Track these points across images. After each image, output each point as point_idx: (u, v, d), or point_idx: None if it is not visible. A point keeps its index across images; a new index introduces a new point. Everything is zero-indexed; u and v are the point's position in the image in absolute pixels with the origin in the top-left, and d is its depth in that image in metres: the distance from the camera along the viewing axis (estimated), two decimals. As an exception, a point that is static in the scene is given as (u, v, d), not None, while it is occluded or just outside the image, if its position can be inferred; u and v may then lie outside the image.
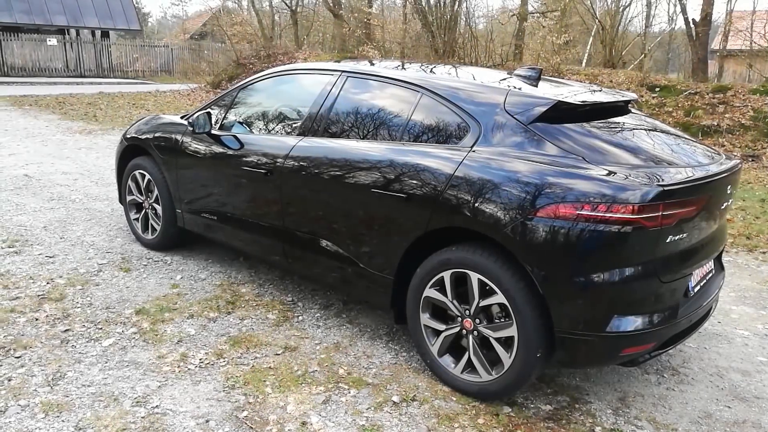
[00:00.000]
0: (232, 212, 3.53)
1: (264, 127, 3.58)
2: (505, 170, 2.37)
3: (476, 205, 2.39)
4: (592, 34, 16.20)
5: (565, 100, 2.52)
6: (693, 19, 11.70)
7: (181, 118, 4.02)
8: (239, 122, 3.68)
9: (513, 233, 2.29)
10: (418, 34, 15.54)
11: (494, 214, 2.34)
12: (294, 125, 3.32)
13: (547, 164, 2.32)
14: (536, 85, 2.79)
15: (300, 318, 3.26)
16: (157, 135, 4.00)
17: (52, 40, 22.34)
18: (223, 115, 3.70)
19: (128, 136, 4.25)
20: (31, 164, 6.84)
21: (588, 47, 14.87)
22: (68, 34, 23.75)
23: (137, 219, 4.30)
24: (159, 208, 4.07)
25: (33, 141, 8.33)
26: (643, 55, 15.96)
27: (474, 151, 2.51)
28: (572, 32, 14.29)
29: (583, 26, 16.80)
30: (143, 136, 4.11)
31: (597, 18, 13.44)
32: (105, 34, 25.12)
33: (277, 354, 2.86)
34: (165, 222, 4.05)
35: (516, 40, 13.92)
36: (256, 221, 3.38)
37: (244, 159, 3.35)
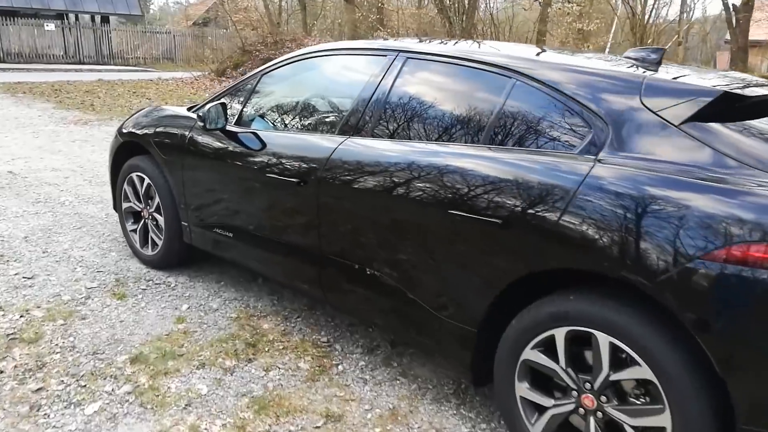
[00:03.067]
0: (252, 228, 2.82)
1: (294, 123, 2.85)
2: (656, 189, 1.65)
3: (612, 238, 1.68)
4: (615, 21, 15.39)
5: (732, 91, 1.80)
6: (734, 5, 10.92)
7: (188, 110, 3.30)
8: (261, 116, 2.95)
9: (674, 283, 1.58)
10: (434, 20, 14.75)
11: (643, 254, 1.62)
12: (335, 121, 2.60)
13: (717, 182, 1.60)
14: (657, 71, 2.07)
15: (340, 368, 2.56)
16: (158, 130, 3.28)
17: (50, 25, 21.54)
18: (240, 107, 2.98)
19: (124, 131, 3.53)
20: (18, 159, 6.13)
21: (611, 35, 14.11)
22: (67, 19, 22.93)
23: (135, 231, 3.58)
24: (161, 219, 3.36)
25: (23, 132, 7.61)
26: (678, 44, 15.14)
27: (601, 162, 1.79)
28: (596, 18, 13.48)
29: (602, 16, 16.01)
30: (142, 132, 3.38)
31: (628, 2, 12.65)
32: (105, 19, 24.29)
33: (317, 427, 2.16)
34: (168, 236, 3.34)
35: (540, 26, 13.13)
36: (284, 241, 2.68)
37: (269, 163, 2.63)
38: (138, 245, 3.57)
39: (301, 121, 2.83)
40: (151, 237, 3.48)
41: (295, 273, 2.73)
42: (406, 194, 2.13)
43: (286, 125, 2.88)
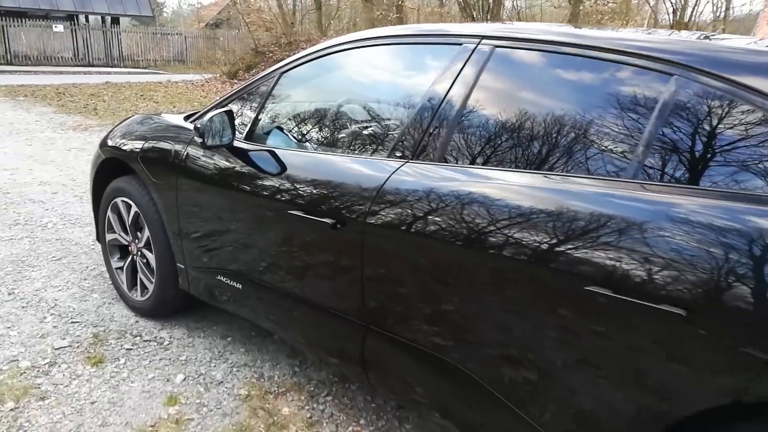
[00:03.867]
0: (268, 280, 2.09)
1: (325, 139, 2.12)
2: None
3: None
4: (647, 20, 14.55)
5: None
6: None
7: (186, 119, 2.58)
8: (280, 129, 2.23)
9: None
10: (455, 18, 13.99)
11: None
12: (383, 138, 1.87)
13: None
14: None
15: (391, 484, 1.81)
16: (148, 145, 2.56)
17: (59, 27, 21.05)
18: (252, 116, 2.25)
19: (107, 145, 2.81)
20: (4, 170, 5.46)
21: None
22: (76, 21, 22.46)
23: (121, 269, 2.87)
24: (151, 258, 2.64)
25: (16, 139, 6.96)
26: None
27: None
28: (634, 17, 12.67)
29: (638, 14, 15.17)
30: (127, 146, 2.66)
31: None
32: (115, 20, 23.80)
33: None
34: (160, 280, 2.62)
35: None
36: (310, 300, 1.94)
37: (291, 194, 1.90)
38: (125, 287, 2.85)
39: (333, 136, 2.09)
40: (141, 278, 2.76)
41: (326, 343, 1.99)
42: (506, 255, 1.38)
43: (313, 142, 2.15)
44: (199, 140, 2.06)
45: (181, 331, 2.69)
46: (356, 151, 1.93)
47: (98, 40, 22.29)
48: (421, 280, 1.58)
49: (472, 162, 1.59)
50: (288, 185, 1.92)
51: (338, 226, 1.75)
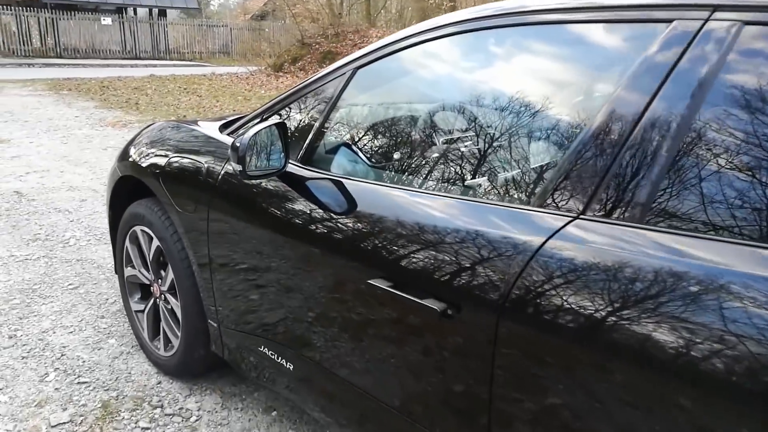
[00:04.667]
0: (335, 368, 1.45)
1: (423, 168, 1.44)
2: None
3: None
4: None
5: None
6: None
7: (222, 128, 1.97)
8: (352, 147, 1.58)
9: None
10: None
11: None
12: (527, 174, 1.19)
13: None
14: None
15: None
16: (172, 163, 1.95)
17: (107, 20, 21.06)
18: (314, 129, 1.60)
19: (125, 161, 2.23)
20: (34, 173, 5.02)
21: None
22: (125, 13, 22.47)
23: (142, 312, 2.30)
24: (176, 306, 2.05)
25: (52, 137, 6.57)
26: None
27: None
28: None
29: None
30: (146, 163, 2.07)
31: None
32: (162, 13, 23.75)
33: None
34: (186, 338, 2.03)
35: None
36: (403, 411, 1.29)
37: (370, 252, 1.26)
38: (146, 335, 2.28)
39: (438, 166, 1.41)
40: (164, 329, 2.18)
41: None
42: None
43: (404, 171, 1.48)
44: (238, 168, 1.42)
45: (213, 400, 2.09)
46: (479, 193, 1.25)
47: (145, 33, 22.23)
48: (605, 410, 0.91)
49: (717, 228, 0.90)
50: (367, 239, 1.27)
51: (449, 312, 1.10)
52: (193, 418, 1.99)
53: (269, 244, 1.55)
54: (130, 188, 2.25)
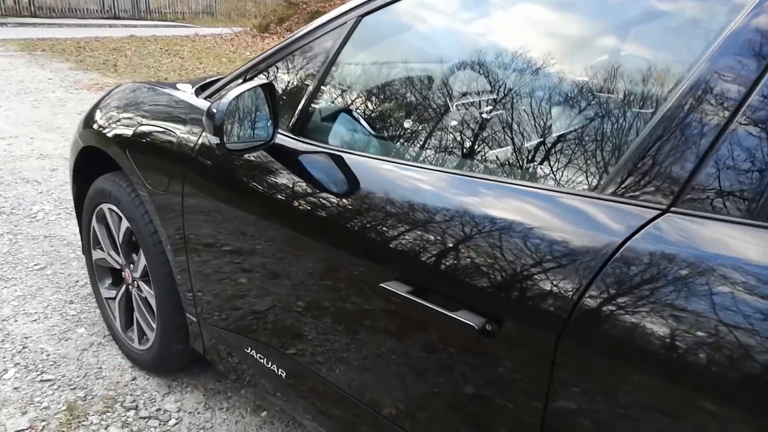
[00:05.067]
0: (339, 380, 1.22)
1: (448, 141, 1.16)
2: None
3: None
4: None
5: None
6: None
7: (199, 91, 1.68)
8: (352, 114, 1.31)
9: None
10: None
11: None
12: (591, 152, 0.92)
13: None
14: None
15: None
16: (140, 132, 1.67)
17: (84, -24, 20.10)
18: (307, 93, 1.32)
19: (88, 128, 1.93)
20: (1, 140, 4.67)
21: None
22: (102, -30, 21.46)
23: (113, 299, 2.04)
24: (151, 295, 1.80)
25: (22, 100, 6.17)
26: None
27: None
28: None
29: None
30: (112, 132, 1.78)
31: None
32: (142, -30, 22.73)
33: None
34: (162, 333, 1.78)
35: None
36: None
37: (384, 250, 1.00)
38: (118, 326, 2.03)
39: (468, 139, 1.12)
40: (137, 318, 1.93)
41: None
42: None
43: (427, 145, 1.21)
44: (215, 140, 1.14)
45: (194, 399, 1.86)
46: (530, 176, 0.99)
47: (124, -9, 21.30)
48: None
49: None
50: (376, 229, 1.02)
51: (488, 328, 0.86)
52: (172, 421, 1.76)
53: (255, 231, 1.29)
54: (95, 160, 1.96)
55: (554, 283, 0.79)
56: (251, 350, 1.44)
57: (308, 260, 1.17)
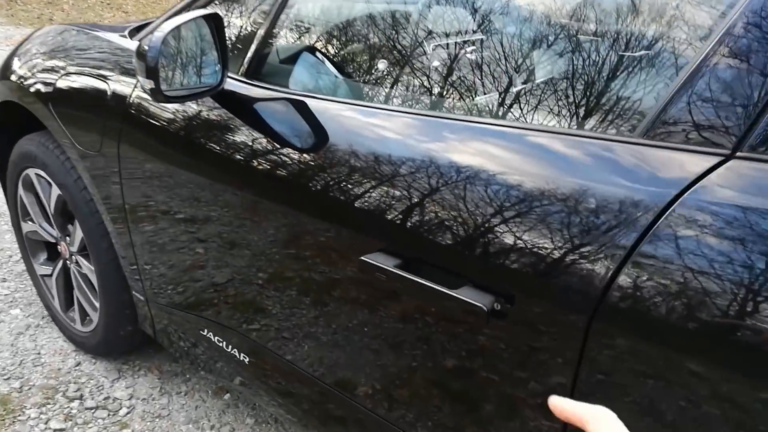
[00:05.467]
0: (309, 368, 1.05)
1: (448, 77, 0.97)
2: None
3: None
4: None
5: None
6: None
7: (133, 33, 1.43)
8: (318, 53, 1.10)
9: None
10: None
11: None
12: (663, 87, 0.75)
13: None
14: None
15: None
16: (66, 84, 1.41)
17: (13, -76, 18.55)
18: (263, 29, 1.10)
19: (6, 80, 1.65)
20: None
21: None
22: None
23: (49, 276, 1.81)
24: (92, 271, 1.58)
25: (-54, 58, 5.61)
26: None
27: None
28: None
29: None
30: (32, 83, 1.51)
31: None
32: None
33: None
34: (107, 313, 1.57)
35: None
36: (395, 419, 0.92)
37: (364, 217, 0.82)
38: (58, 305, 1.81)
39: (478, 72, 0.93)
40: (78, 298, 1.71)
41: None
42: None
43: (413, 85, 1.01)
44: (148, 85, 0.92)
45: (149, 383, 1.68)
46: (541, 117, 0.81)
47: (59, -59, 19.80)
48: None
49: None
50: (353, 187, 0.84)
51: (498, 308, 0.70)
52: (123, 411, 1.58)
53: (205, 194, 1.09)
54: (17, 117, 1.69)
55: (587, 248, 0.63)
56: (207, 332, 1.25)
57: (270, 228, 0.98)
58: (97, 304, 1.61)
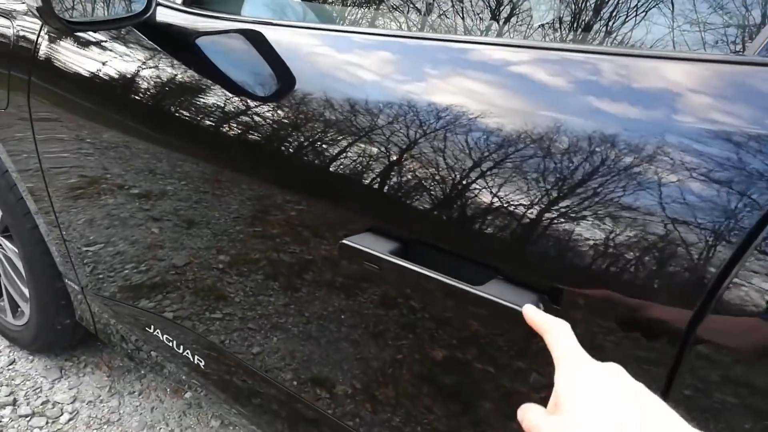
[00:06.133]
0: (271, 368, 0.83)
1: None
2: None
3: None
4: None
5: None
6: None
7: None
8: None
9: None
10: None
11: None
12: None
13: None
14: None
15: None
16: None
17: None
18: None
19: None
20: None
21: None
22: None
23: (-29, 262, 1.54)
24: (17, 256, 1.33)
25: None
26: None
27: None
28: None
29: None
30: None
31: None
32: None
33: None
34: (40, 301, 1.33)
35: None
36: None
37: (331, 170, 0.60)
38: (-16, 296, 1.55)
39: None
40: (5, 286, 1.46)
41: None
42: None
43: None
44: (33, 2, 0.65)
45: (96, 383, 1.44)
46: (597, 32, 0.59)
47: None
48: None
49: None
50: (333, 152, 0.61)
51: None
52: (65, 417, 1.35)
53: (138, 159, 0.85)
54: None
55: (683, 243, 0.42)
56: (155, 330, 1.02)
57: (230, 203, 0.75)
58: (28, 294, 1.36)
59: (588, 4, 0.61)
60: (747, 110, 0.42)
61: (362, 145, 0.59)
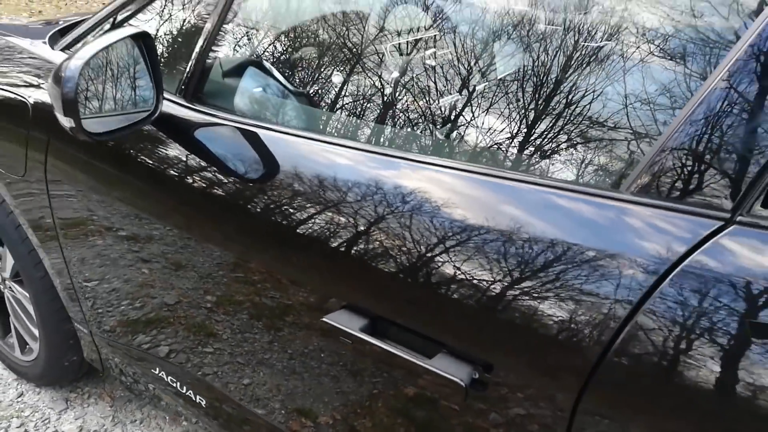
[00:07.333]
0: (268, 408, 0.97)
1: (422, 116, 0.86)
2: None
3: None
4: None
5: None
6: None
7: (53, 40, 1.27)
8: (259, 66, 0.99)
9: None
10: None
11: None
12: (659, 141, 0.67)
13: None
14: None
15: None
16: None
17: None
18: (202, 42, 0.97)
19: None
20: None
21: None
22: None
23: (-20, 302, 1.66)
24: (27, 299, 1.45)
25: None
26: None
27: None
28: None
29: None
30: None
31: None
32: None
33: None
34: (49, 341, 1.45)
35: None
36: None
37: (313, 258, 0.75)
38: (-7, 332, 1.67)
39: (456, 112, 0.83)
40: (15, 327, 1.58)
41: None
42: None
43: (382, 119, 0.90)
44: (67, 124, 0.78)
45: (100, 412, 1.57)
46: (532, 168, 0.73)
47: None
48: None
49: None
50: (316, 238, 0.75)
51: (477, 377, 0.63)
52: (67, 451, 1.47)
53: (145, 222, 0.99)
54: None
55: (581, 317, 0.57)
56: (160, 372, 1.16)
57: (230, 290, 0.89)
58: (37, 333, 1.48)
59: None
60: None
61: (326, 223, 0.74)
